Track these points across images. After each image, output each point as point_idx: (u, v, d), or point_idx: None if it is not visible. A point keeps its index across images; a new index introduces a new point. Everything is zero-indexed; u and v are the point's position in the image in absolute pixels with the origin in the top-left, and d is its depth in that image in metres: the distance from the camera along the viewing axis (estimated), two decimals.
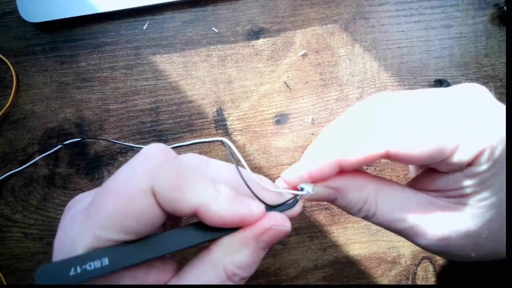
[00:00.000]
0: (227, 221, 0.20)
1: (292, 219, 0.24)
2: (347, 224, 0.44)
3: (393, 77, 0.45)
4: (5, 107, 0.42)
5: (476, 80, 0.45)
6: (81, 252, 0.18)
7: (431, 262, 0.45)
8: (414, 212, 0.23)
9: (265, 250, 0.22)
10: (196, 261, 0.21)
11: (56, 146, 0.43)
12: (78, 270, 0.18)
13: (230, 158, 0.23)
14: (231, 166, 0.23)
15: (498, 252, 0.23)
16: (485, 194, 0.21)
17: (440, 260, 0.45)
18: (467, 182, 0.21)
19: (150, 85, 0.44)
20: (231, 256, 0.21)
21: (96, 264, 0.18)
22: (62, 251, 0.19)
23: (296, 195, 0.24)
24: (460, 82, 0.44)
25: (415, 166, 0.31)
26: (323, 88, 0.44)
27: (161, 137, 0.44)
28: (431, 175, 0.24)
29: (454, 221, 0.22)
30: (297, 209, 0.24)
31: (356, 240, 0.45)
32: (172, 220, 0.25)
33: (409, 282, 0.45)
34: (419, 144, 0.21)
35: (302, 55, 0.44)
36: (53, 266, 0.18)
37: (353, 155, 0.22)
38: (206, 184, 0.20)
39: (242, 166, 0.24)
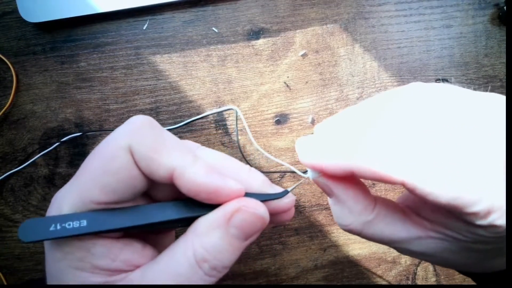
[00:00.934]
0: (201, 189, 0.20)
1: (278, 211, 0.23)
2: None
3: (393, 77, 0.45)
4: (5, 107, 0.42)
5: (476, 80, 0.45)
6: (66, 211, 0.20)
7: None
8: (401, 241, 0.22)
9: (241, 241, 0.21)
10: (172, 245, 0.21)
11: (56, 143, 0.43)
12: (58, 227, 0.19)
13: (236, 127, 0.24)
14: (224, 155, 0.24)
15: (469, 270, 0.23)
16: (483, 246, 0.20)
17: None
18: (471, 236, 0.19)
19: (150, 85, 0.44)
20: (201, 238, 0.20)
21: (75, 224, 0.19)
22: (50, 211, 0.21)
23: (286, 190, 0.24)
24: (460, 82, 0.45)
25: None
26: (323, 88, 0.44)
27: None
28: (438, 210, 0.21)
29: (437, 251, 0.22)
30: (286, 200, 0.23)
31: (356, 240, 0.45)
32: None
33: (409, 282, 0.45)
34: (438, 190, 0.18)
35: (302, 55, 0.44)
36: (35, 221, 0.20)
37: (370, 171, 0.20)
38: (185, 152, 0.21)
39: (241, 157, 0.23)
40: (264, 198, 0.22)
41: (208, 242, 0.20)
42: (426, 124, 0.19)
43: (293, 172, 0.24)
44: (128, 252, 0.21)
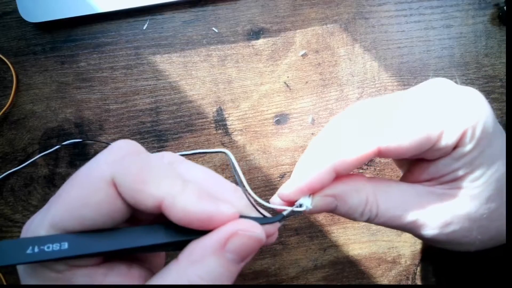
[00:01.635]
0: (194, 218, 0.19)
1: (268, 235, 0.22)
2: (347, 224, 0.44)
3: (393, 77, 0.45)
4: (5, 107, 0.42)
5: (476, 80, 0.45)
6: None
7: (431, 262, 0.45)
8: (415, 204, 0.23)
9: (237, 264, 0.20)
10: (164, 270, 0.19)
11: (56, 146, 0.43)
12: (36, 249, 0.17)
13: (233, 171, 0.22)
14: (207, 170, 0.22)
15: (502, 233, 0.24)
16: (476, 173, 0.22)
17: (440, 260, 0.45)
18: (457, 164, 0.22)
19: (150, 85, 0.44)
20: (196, 266, 0.19)
21: (55, 247, 0.17)
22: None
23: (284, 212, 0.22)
24: (460, 82, 0.44)
25: (403, 164, 0.31)
26: (323, 88, 0.44)
27: (161, 137, 0.44)
28: (421, 166, 0.24)
29: (453, 206, 0.23)
30: (278, 224, 0.22)
31: (356, 240, 0.45)
32: (147, 220, 0.23)
33: (409, 282, 0.45)
34: (407, 136, 0.22)
35: (302, 55, 0.44)
36: (11, 243, 0.18)
37: (347, 157, 0.22)
38: (173, 178, 0.19)
39: (239, 184, 0.22)
40: (259, 222, 0.21)
41: (203, 269, 0.19)
42: (374, 114, 0.23)
43: (292, 211, 0.23)
44: (113, 277, 0.20)
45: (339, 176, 0.23)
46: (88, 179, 0.19)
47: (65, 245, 0.18)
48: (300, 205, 0.23)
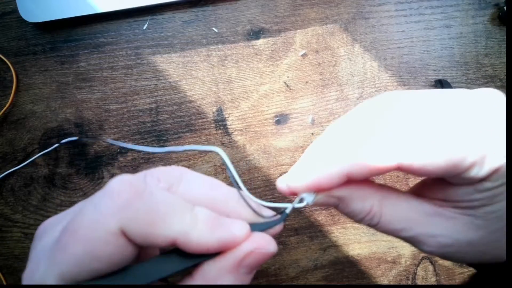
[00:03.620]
0: (209, 248, 0.19)
1: (275, 235, 0.23)
2: (347, 224, 0.44)
3: (393, 77, 0.45)
4: (5, 107, 0.42)
5: (476, 80, 0.45)
6: None
7: (431, 262, 0.45)
8: (418, 222, 0.22)
9: (251, 274, 0.21)
10: None
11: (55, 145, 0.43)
12: None
13: (227, 170, 0.22)
14: (208, 181, 0.22)
15: (499, 257, 0.23)
16: (494, 207, 0.21)
17: (440, 260, 0.45)
18: (478, 196, 0.21)
19: (150, 85, 0.44)
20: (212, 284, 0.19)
21: None
22: None
23: (285, 209, 0.23)
24: (460, 82, 0.45)
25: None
26: (323, 88, 0.44)
27: (161, 137, 0.44)
28: (440, 186, 0.23)
29: (458, 231, 0.22)
30: (282, 225, 0.23)
31: (356, 240, 0.44)
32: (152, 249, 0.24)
33: (409, 282, 0.45)
34: (433, 158, 0.20)
35: (302, 55, 0.44)
36: None
37: (364, 168, 0.21)
38: (182, 212, 0.19)
39: (235, 185, 0.22)
40: (266, 226, 0.21)
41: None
42: (403, 115, 0.21)
43: (283, 209, 0.24)
44: None
45: (350, 180, 0.22)
46: (95, 233, 0.18)
47: None
48: (301, 199, 0.23)
